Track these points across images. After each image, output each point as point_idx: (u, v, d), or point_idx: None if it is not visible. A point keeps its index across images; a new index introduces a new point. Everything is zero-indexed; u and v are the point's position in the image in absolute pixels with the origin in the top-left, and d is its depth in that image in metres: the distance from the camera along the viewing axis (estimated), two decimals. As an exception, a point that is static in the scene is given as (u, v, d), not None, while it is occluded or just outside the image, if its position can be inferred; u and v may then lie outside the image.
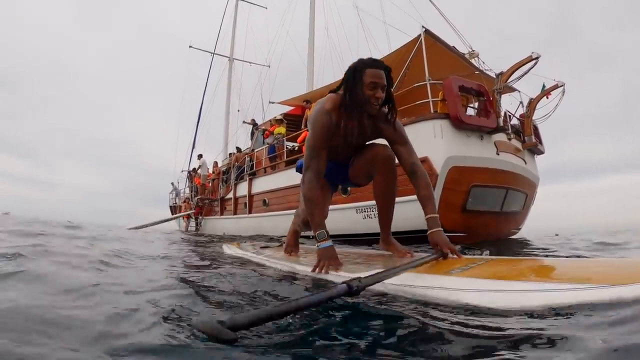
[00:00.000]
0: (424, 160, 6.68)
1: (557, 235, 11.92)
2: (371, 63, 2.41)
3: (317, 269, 2.34)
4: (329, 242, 2.43)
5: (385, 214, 2.90)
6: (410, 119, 7.03)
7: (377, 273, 1.68)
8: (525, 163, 8.57)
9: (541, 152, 9.57)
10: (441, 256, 2.24)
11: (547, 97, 8.89)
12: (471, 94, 7.41)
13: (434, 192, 6.39)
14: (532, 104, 8.96)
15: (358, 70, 2.41)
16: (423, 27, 7.85)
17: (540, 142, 9.57)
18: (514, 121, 9.07)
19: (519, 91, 9.32)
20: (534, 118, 9.19)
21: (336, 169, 2.85)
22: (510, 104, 9.51)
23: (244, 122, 14.97)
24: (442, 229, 2.38)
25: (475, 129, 7.06)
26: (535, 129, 9.49)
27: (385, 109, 2.54)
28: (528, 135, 8.79)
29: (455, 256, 2.24)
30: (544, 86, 8.86)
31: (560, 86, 8.66)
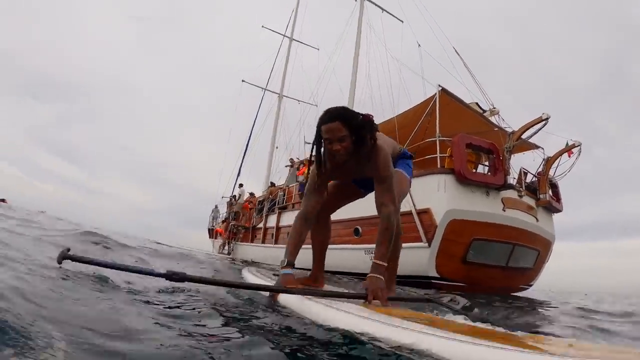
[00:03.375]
0: (426, 212, 7.15)
1: (586, 295, 11.84)
2: (324, 118, 2.48)
3: (274, 296, 2.52)
4: (289, 270, 2.53)
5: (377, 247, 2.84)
6: (418, 171, 7.49)
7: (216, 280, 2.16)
8: (537, 220, 8.76)
9: (558, 210, 9.70)
10: (365, 300, 2.29)
11: (569, 156, 9.15)
12: (481, 152, 7.82)
13: (434, 242, 6.88)
14: (549, 163, 9.24)
15: (318, 128, 2.50)
16: (439, 85, 8.37)
17: (558, 200, 9.73)
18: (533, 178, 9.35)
19: (542, 148, 9.62)
20: (554, 175, 9.47)
21: (360, 183, 2.99)
22: (533, 161, 9.72)
23: (286, 165, 15.59)
24: (379, 277, 2.39)
25: (481, 185, 7.45)
26: (554, 186, 9.70)
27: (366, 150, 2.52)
28: (543, 193, 9.03)
29: (377, 303, 2.24)
30: (567, 144, 9.14)
31: (577, 146, 8.94)
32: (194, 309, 2.08)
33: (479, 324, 2.04)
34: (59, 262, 1.81)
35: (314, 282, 3.02)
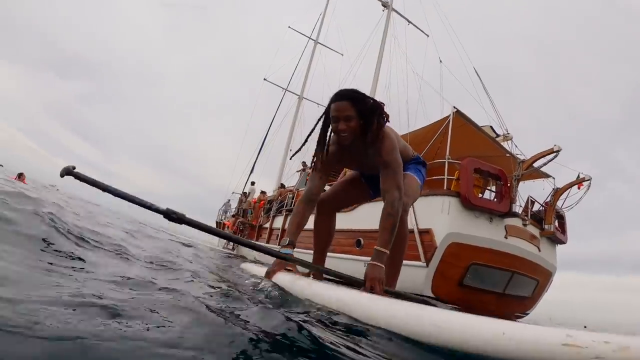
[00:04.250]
0: (428, 232, 7.21)
1: (585, 327, 11.79)
2: (334, 97, 2.49)
3: (270, 273, 2.61)
4: (289, 250, 2.57)
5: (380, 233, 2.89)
6: (424, 191, 7.57)
7: (208, 226, 2.23)
8: (540, 250, 8.77)
9: (562, 242, 9.69)
10: (362, 287, 2.30)
11: (579, 188, 9.15)
12: (489, 177, 7.87)
13: (432, 262, 6.95)
14: (558, 193, 9.24)
15: (327, 106, 2.54)
16: (454, 107, 8.44)
17: (564, 232, 9.72)
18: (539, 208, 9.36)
19: (553, 178, 9.62)
20: (563, 207, 9.47)
21: (370, 181, 3.05)
22: (542, 189, 9.72)
23: (297, 171, 15.63)
24: (380, 265, 2.35)
25: (485, 211, 7.50)
26: (561, 217, 9.69)
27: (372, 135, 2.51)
28: (548, 224, 9.04)
29: (372, 293, 2.19)
30: (578, 176, 9.15)
31: (588, 180, 8.94)
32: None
33: None
34: (62, 176, 1.90)
35: (314, 278, 2.93)
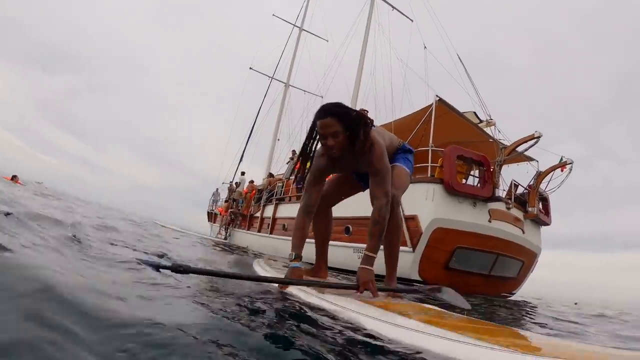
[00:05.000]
0: (413, 218, 7.42)
1: (575, 304, 12.09)
2: (318, 114, 2.55)
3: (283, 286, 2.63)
4: (298, 264, 2.62)
5: (385, 253, 3.02)
6: (409, 178, 7.77)
7: (215, 270, 2.42)
8: (524, 232, 9.02)
9: (546, 224, 9.94)
10: (356, 290, 2.42)
11: (562, 171, 9.38)
12: (471, 163, 8.07)
13: (418, 247, 7.15)
14: (541, 177, 9.48)
15: (313, 123, 2.59)
16: (437, 95, 8.59)
17: (547, 213, 9.97)
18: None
19: (537, 161, 9.84)
20: (547, 189, 9.72)
21: (360, 177, 3.08)
22: (526, 172, 9.90)
23: (288, 162, 15.63)
24: (370, 268, 2.45)
25: (469, 196, 7.71)
26: (545, 200, 9.93)
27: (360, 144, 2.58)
28: (531, 207, 9.28)
29: (365, 293, 2.39)
30: (561, 159, 9.37)
31: (570, 163, 9.17)
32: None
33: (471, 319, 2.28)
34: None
35: (317, 274, 3.11)
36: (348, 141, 2.53)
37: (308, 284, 2.64)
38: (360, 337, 1.74)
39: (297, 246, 2.71)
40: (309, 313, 2.10)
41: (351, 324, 1.93)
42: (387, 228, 2.67)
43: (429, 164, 7.93)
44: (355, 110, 2.66)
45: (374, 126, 2.76)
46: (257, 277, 2.86)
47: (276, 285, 2.70)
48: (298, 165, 9.36)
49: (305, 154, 2.75)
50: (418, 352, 1.56)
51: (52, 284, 1.39)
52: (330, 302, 2.27)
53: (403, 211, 7.86)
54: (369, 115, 2.82)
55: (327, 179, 3.02)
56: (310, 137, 2.68)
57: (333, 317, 2.06)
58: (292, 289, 2.61)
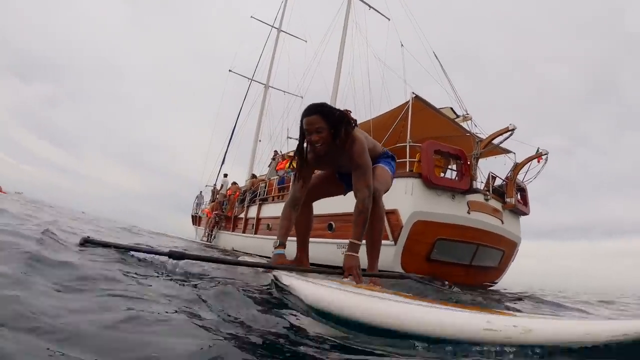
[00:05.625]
0: (394, 212, 7.59)
1: (559, 292, 12.32)
2: (305, 112, 2.75)
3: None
4: (281, 251, 2.87)
5: (367, 242, 3.18)
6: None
7: (203, 255, 2.66)
8: (503, 223, 9.23)
9: (524, 213, 10.18)
10: (342, 276, 2.63)
11: (539, 162, 9.61)
12: (449, 157, 8.27)
13: (399, 240, 7.31)
14: (517, 168, 9.69)
15: (300, 121, 2.79)
16: (413, 93, 8.79)
17: (525, 204, 10.21)
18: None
19: (514, 153, 10.07)
20: (525, 180, 9.95)
21: (344, 178, 3.27)
22: (504, 165, 10.11)
23: (272, 158, 15.78)
24: (355, 254, 2.66)
25: (447, 189, 7.91)
26: (522, 190, 10.18)
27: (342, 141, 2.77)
28: (509, 197, 9.50)
29: (351, 279, 2.57)
30: (537, 150, 9.60)
31: (545, 154, 9.40)
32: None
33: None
34: (81, 244, 2.17)
35: (299, 264, 3.28)
36: (331, 138, 2.73)
37: (295, 269, 2.83)
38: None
39: (282, 235, 2.94)
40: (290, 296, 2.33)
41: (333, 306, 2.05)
42: (370, 220, 2.86)
43: (407, 159, 8.10)
44: (339, 110, 2.87)
45: (357, 126, 2.93)
46: (247, 262, 3.06)
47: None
48: (284, 163, 9.57)
49: (299, 151, 2.93)
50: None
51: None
52: (315, 286, 2.40)
53: (384, 206, 8.03)
54: (352, 115, 2.96)
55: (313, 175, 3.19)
56: (302, 135, 2.85)
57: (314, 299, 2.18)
58: (280, 276, 2.75)
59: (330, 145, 2.76)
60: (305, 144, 2.89)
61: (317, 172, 3.32)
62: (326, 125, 2.70)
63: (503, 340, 1.47)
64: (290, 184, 3.17)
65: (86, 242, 2.82)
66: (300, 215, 3.24)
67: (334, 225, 9.02)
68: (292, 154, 13.44)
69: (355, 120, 2.92)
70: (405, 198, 7.57)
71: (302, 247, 3.42)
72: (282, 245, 2.93)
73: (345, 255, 2.69)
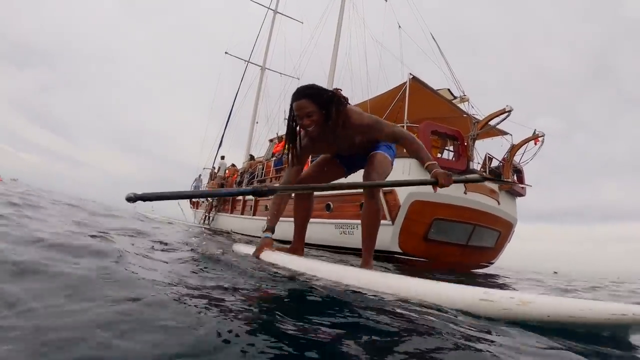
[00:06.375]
0: (391, 192, 7.66)
1: (555, 273, 12.47)
2: (293, 97, 2.73)
3: (257, 252, 2.95)
4: (269, 234, 2.96)
5: (363, 236, 3.07)
6: (386, 154, 7.99)
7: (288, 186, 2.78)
8: (499, 203, 9.31)
9: (520, 195, 10.27)
10: (436, 183, 2.54)
11: (536, 144, 9.66)
12: (446, 138, 8.32)
13: (397, 220, 7.39)
14: (514, 149, 9.73)
15: (290, 106, 2.76)
16: (410, 73, 8.80)
17: (522, 185, 10.29)
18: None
19: (510, 135, 10.11)
20: (521, 161, 10.00)
21: (345, 161, 3.24)
22: (501, 146, 10.17)
23: (270, 140, 15.72)
24: (435, 163, 2.64)
25: (444, 170, 7.94)
26: (519, 172, 10.24)
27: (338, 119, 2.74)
28: (506, 178, 9.57)
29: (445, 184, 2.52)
30: (534, 132, 9.64)
31: (542, 136, 9.45)
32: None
33: None
34: (131, 201, 1.94)
35: (295, 252, 3.19)
36: (324, 119, 2.69)
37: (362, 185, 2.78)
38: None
39: (271, 220, 3.00)
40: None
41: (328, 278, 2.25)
42: (368, 211, 2.93)
43: (405, 140, 8.12)
44: (328, 90, 2.82)
45: (348, 104, 2.86)
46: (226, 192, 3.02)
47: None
48: (280, 146, 9.63)
49: (290, 134, 2.89)
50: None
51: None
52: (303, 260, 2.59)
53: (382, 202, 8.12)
54: (343, 93, 2.93)
55: (311, 163, 3.19)
56: (291, 118, 2.80)
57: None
58: (268, 255, 2.88)
59: (323, 127, 2.74)
60: (297, 128, 2.86)
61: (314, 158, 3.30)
62: (316, 109, 2.67)
63: (500, 312, 1.54)
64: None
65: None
66: (300, 204, 3.27)
67: (331, 206, 9.10)
68: (287, 136, 13.51)
69: (347, 98, 2.87)
70: (402, 178, 7.63)
71: (299, 235, 3.38)
72: (270, 229, 3.00)
73: (434, 171, 2.58)
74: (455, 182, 2.63)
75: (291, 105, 2.74)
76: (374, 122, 2.82)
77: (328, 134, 2.81)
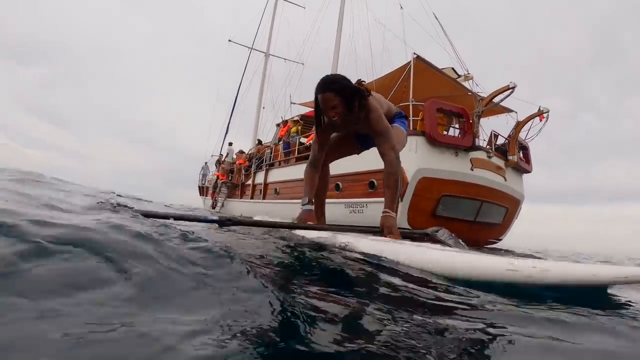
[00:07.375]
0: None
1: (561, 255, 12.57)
2: (317, 89, 2.92)
3: (302, 222, 3.20)
4: (309, 206, 3.23)
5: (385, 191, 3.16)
6: (394, 133, 8.14)
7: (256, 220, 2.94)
8: (506, 180, 9.43)
9: (527, 171, 10.37)
10: (381, 232, 2.84)
11: (541, 120, 9.75)
12: (451, 116, 8.44)
13: (405, 197, 7.54)
14: (519, 126, 9.84)
15: (315, 95, 2.95)
16: (415, 53, 8.90)
17: (528, 161, 10.39)
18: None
19: (515, 112, 10.21)
20: (526, 138, 10.10)
21: (360, 139, 3.55)
22: (506, 123, 10.27)
23: (277, 124, 15.89)
24: (392, 215, 2.86)
25: (451, 147, 8.10)
26: (525, 148, 10.34)
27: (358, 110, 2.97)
28: (512, 155, 9.69)
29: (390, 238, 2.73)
30: (539, 109, 9.73)
31: (546, 112, 9.54)
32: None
33: None
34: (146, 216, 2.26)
35: (317, 221, 3.49)
36: (346, 110, 2.92)
37: (334, 229, 3.02)
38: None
39: (308, 192, 3.28)
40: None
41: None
42: (386, 179, 3.06)
43: (411, 118, 8.25)
44: (352, 84, 3.01)
45: (370, 94, 3.08)
46: (271, 223, 3.29)
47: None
48: (284, 130, 9.87)
49: (318, 122, 3.15)
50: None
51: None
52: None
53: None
54: (349, 77, 3.15)
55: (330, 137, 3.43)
56: (317, 109, 3.03)
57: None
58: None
59: (345, 115, 2.94)
60: (321, 116, 3.07)
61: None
62: (341, 102, 2.87)
63: (525, 279, 1.71)
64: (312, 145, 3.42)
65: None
66: (319, 177, 3.49)
67: (341, 186, 9.25)
68: (296, 118, 13.71)
69: (369, 91, 3.07)
70: (410, 155, 7.76)
71: (319, 205, 3.71)
72: (310, 202, 3.25)
73: (383, 215, 2.88)
74: (402, 237, 2.88)
75: (316, 96, 2.94)
76: (385, 130, 3.03)
77: (349, 119, 3.03)
